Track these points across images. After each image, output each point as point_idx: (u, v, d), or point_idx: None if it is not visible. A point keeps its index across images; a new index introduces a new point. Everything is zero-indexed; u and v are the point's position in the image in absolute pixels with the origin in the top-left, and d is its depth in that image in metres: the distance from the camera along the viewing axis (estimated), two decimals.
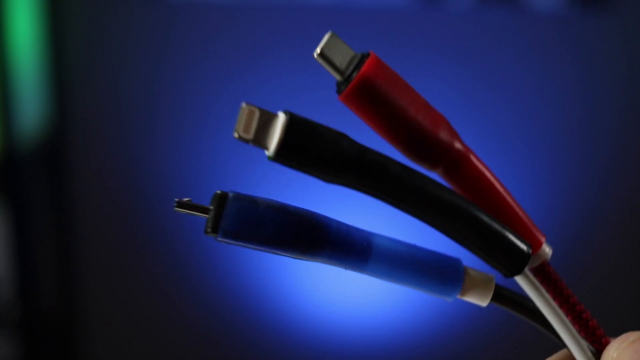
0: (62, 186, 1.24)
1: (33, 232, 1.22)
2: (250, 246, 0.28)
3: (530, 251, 0.30)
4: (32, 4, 1.18)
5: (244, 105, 0.27)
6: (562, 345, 0.31)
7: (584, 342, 0.31)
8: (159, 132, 1.22)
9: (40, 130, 1.21)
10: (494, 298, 0.31)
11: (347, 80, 0.29)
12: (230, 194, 0.28)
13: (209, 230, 0.28)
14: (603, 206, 1.22)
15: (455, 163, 0.30)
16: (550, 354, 0.32)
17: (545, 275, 0.32)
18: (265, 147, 0.27)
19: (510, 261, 0.29)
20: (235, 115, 0.27)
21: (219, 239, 0.28)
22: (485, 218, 0.29)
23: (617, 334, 0.31)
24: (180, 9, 1.20)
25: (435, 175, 0.30)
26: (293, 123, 0.27)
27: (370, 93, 0.29)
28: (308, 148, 0.27)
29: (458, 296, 0.30)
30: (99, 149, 1.24)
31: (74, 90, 1.22)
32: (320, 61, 0.29)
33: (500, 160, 1.20)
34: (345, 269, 0.29)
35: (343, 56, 0.29)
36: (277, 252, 0.28)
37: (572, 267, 1.21)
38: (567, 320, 0.31)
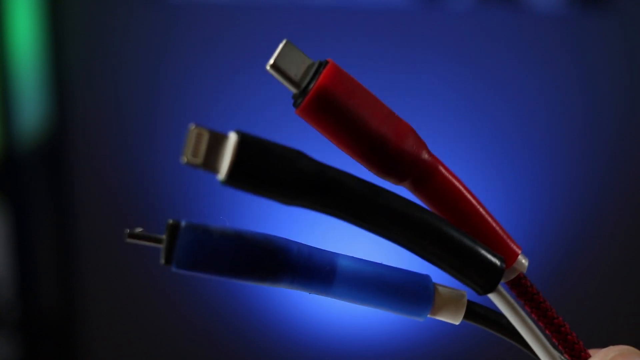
0: (62, 186, 1.24)
1: (33, 232, 1.22)
2: (208, 275, 0.27)
3: (504, 266, 0.28)
4: (32, 4, 1.18)
5: (192, 127, 0.25)
6: None
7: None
8: (159, 133, 1.22)
9: (40, 130, 1.21)
10: (467, 316, 0.29)
11: (303, 92, 0.27)
12: (183, 224, 0.26)
13: (162, 261, 0.27)
14: (603, 206, 1.22)
15: (423, 175, 0.28)
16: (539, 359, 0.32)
17: (521, 289, 0.30)
18: (216, 171, 0.25)
19: (483, 278, 0.28)
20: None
21: (174, 270, 0.27)
22: (455, 234, 0.27)
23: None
24: (180, 9, 1.20)
25: (403, 189, 0.29)
26: (244, 143, 0.24)
27: (327, 106, 0.27)
28: (262, 170, 0.25)
29: (429, 315, 0.29)
30: (99, 149, 1.24)
31: (74, 90, 1.23)
32: (274, 73, 0.27)
33: (500, 160, 1.20)
34: (309, 293, 0.28)
35: (298, 66, 0.27)
36: (237, 280, 0.27)
37: (572, 267, 1.21)
38: (542, 337, 0.29)
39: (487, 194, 1.00)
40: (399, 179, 0.28)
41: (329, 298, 0.28)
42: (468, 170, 1.14)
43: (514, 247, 0.30)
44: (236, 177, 0.25)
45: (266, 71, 0.26)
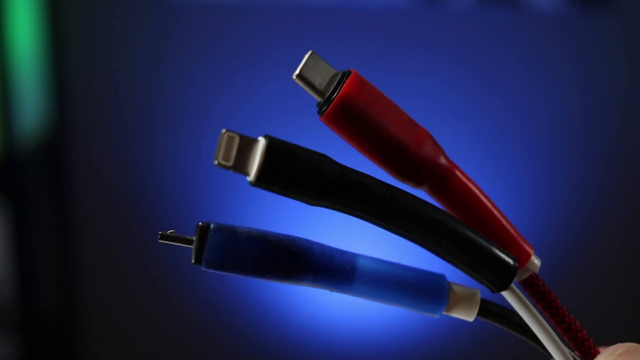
0: (62, 186, 1.24)
1: (33, 232, 1.22)
2: (235, 274, 0.29)
3: (517, 265, 0.30)
4: (32, 4, 1.18)
5: (223, 131, 0.26)
6: (551, 358, 0.31)
7: (571, 356, 0.31)
8: (159, 133, 1.22)
9: (40, 130, 1.21)
10: (480, 313, 0.31)
11: (327, 100, 0.29)
12: (212, 226, 0.29)
13: (192, 261, 0.29)
14: (603, 206, 1.22)
15: (441, 179, 0.30)
16: (550, 355, 0.32)
17: (534, 288, 0.32)
18: (246, 173, 0.27)
19: (497, 277, 0.29)
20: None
21: (203, 269, 0.29)
22: (470, 234, 0.29)
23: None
24: (180, 9, 1.20)
25: (421, 193, 0.30)
26: (273, 147, 0.26)
27: (350, 113, 0.29)
28: (288, 172, 0.27)
29: (444, 312, 0.30)
30: (99, 149, 1.24)
31: (74, 90, 1.23)
32: (299, 83, 0.29)
33: (501, 160, 1.20)
34: (331, 292, 0.30)
35: (323, 76, 0.29)
36: (262, 278, 0.29)
37: (572, 267, 1.21)
38: (554, 334, 0.30)
39: (487, 194, 0.99)
40: (417, 182, 0.30)
41: (349, 295, 0.30)
42: (468, 170, 1.14)
43: (527, 248, 0.31)
44: (265, 178, 0.27)
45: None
